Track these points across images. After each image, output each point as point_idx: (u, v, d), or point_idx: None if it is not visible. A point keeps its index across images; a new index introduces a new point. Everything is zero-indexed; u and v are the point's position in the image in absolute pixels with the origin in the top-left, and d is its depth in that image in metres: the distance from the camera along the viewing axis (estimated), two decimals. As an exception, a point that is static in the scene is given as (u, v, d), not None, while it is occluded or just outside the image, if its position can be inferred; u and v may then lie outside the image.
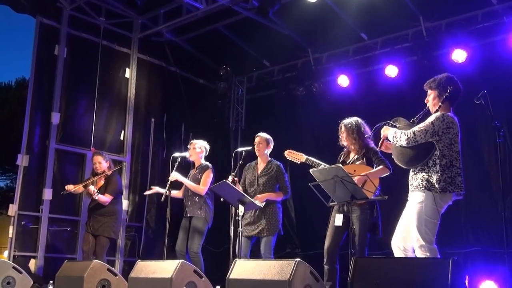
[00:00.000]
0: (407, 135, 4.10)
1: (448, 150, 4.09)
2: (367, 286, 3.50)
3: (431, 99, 4.33)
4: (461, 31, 7.15)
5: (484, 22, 7.07)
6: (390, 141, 4.35)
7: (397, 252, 4.21)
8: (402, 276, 3.43)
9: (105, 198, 6.44)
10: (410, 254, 4.16)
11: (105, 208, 6.49)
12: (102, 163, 6.61)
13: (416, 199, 4.13)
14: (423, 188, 4.06)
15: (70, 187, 6.51)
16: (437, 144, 4.09)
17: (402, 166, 4.27)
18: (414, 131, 4.09)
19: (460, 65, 7.00)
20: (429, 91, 4.36)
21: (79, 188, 6.65)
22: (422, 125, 4.14)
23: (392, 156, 4.36)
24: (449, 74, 4.36)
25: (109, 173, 6.61)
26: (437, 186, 4.02)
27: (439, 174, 4.04)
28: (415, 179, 4.16)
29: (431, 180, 4.05)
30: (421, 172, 4.12)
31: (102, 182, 6.58)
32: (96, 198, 6.36)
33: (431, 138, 4.08)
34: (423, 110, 4.36)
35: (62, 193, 6.58)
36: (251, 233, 5.79)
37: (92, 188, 6.35)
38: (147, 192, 6.76)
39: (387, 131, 4.32)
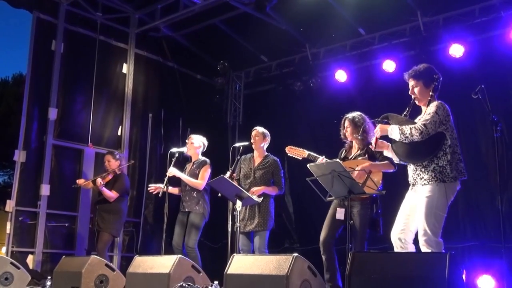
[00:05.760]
0: (420, 129, 4.00)
1: (451, 137, 4.09)
2: (364, 281, 3.50)
3: (417, 91, 4.26)
4: (459, 26, 7.14)
5: (482, 17, 7.05)
6: (392, 139, 4.24)
7: (397, 244, 4.18)
8: (400, 270, 3.43)
9: (111, 194, 6.68)
10: (410, 246, 4.14)
11: (111, 206, 6.71)
12: (111, 161, 6.95)
13: (426, 192, 4.05)
14: (438, 181, 4.01)
15: (81, 181, 6.92)
16: (446, 133, 4.06)
17: (413, 162, 4.17)
18: (425, 123, 4.01)
19: (457, 60, 7.00)
20: (413, 82, 4.28)
21: (88, 183, 6.99)
22: (428, 117, 4.05)
23: (398, 156, 4.23)
24: (425, 63, 4.33)
25: (117, 170, 6.91)
26: (451, 175, 4.00)
27: (450, 163, 4.02)
28: (425, 172, 4.08)
29: (444, 171, 4.01)
30: (432, 164, 4.05)
31: (109, 177, 6.88)
32: (102, 190, 6.63)
33: (439, 128, 4.05)
34: (410, 102, 4.30)
35: (73, 186, 7.01)
36: (248, 228, 5.80)
37: (99, 180, 6.69)
38: (152, 189, 6.44)
39: (386, 128, 4.19)
